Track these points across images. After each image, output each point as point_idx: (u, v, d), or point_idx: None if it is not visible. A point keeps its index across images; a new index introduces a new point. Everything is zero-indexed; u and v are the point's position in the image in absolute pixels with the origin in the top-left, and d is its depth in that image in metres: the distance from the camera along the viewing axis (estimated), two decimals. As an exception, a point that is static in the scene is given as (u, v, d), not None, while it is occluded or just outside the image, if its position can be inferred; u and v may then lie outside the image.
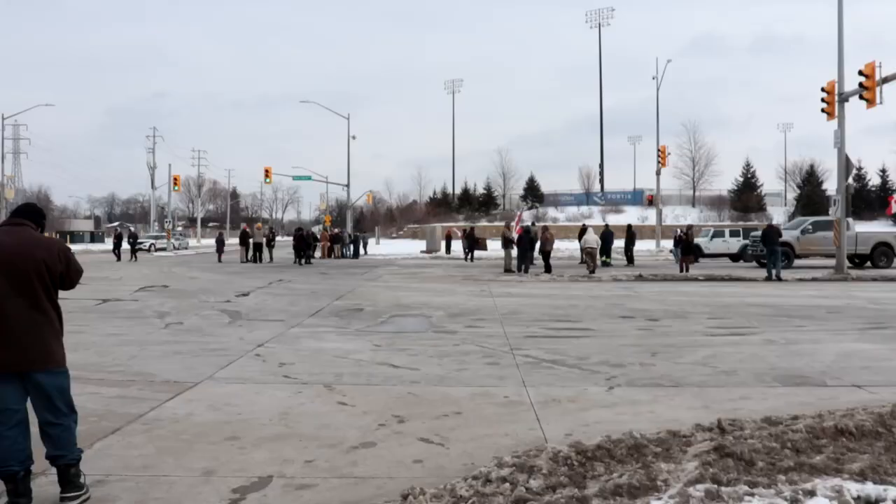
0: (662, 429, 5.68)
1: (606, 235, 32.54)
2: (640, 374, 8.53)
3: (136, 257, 42.99)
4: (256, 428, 6.23)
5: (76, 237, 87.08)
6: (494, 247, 39.40)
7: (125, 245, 43.55)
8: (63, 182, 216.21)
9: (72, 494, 4.47)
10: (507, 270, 27.86)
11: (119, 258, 41.57)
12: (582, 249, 32.37)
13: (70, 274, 4.65)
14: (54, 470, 4.56)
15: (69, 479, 4.49)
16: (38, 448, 4.53)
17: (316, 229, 63.42)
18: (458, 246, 48.38)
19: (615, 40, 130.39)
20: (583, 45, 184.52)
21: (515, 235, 29.43)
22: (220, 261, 38.86)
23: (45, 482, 4.67)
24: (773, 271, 23.67)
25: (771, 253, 24.19)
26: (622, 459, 5.00)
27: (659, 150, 52.36)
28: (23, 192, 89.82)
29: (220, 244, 41.85)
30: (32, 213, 4.70)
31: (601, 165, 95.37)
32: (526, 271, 26.97)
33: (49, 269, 4.47)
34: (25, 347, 4.35)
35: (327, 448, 5.67)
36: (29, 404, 4.49)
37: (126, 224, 41.06)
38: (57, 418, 4.49)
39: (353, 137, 57.80)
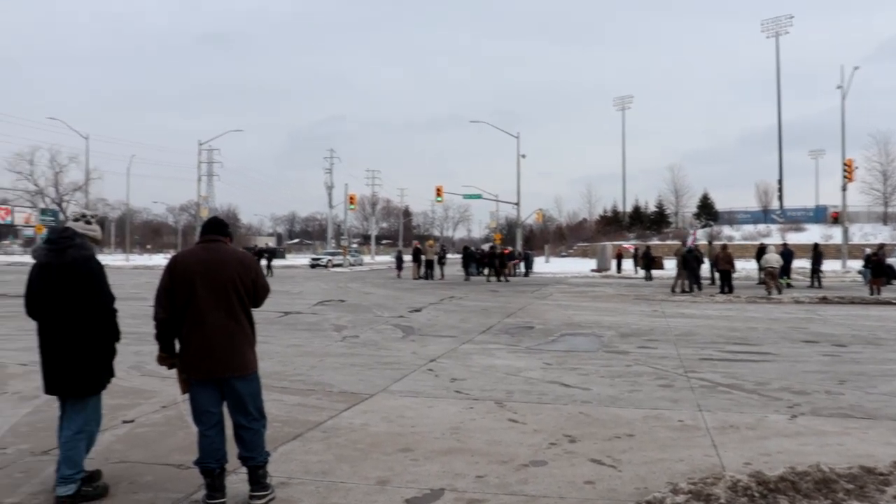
0: (854, 464, 5.30)
1: (786, 255, 30.81)
2: (827, 402, 8.01)
3: (271, 272, 41.94)
4: (429, 441, 6.35)
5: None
6: (671, 265, 38.24)
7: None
8: (249, 201, 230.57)
9: (260, 494, 4.75)
10: (675, 290, 26.96)
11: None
12: (761, 269, 30.87)
13: (257, 289, 4.93)
14: (244, 469, 4.85)
15: (258, 479, 4.78)
16: (231, 449, 4.83)
17: (485, 247, 64.09)
18: (628, 265, 47.43)
19: (792, 50, 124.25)
20: (756, 57, 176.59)
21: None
22: (398, 276, 39.94)
23: (235, 480, 4.97)
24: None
25: None
26: (808, 494, 4.71)
27: (845, 164, 49.00)
28: (215, 211, 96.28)
29: (399, 261, 43.08)
30: (221, 227, 5.03)
31: (780, 181, 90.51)
32: (699, 289, 26.00)
33: (242, 282, 4.79)
34: (224, 356, 4.68)
35: (498, 464, 5.69)
36: (224, 409, 4.82)
37: (263, 242, 42.62)
38: (249, 422, 4.78)
39: (523, 156, 58.15)
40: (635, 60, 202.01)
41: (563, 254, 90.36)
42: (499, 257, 39.21)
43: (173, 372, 4.93)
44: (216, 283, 4.70)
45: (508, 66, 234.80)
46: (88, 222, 5.13)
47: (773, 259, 26.85)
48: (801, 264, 32.46)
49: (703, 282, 27.43)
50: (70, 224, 5.07)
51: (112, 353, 5.07)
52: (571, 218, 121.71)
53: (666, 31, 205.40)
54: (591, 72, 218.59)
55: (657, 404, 7.90)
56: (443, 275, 39.84)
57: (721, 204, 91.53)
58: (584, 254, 77.59)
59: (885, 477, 5.01)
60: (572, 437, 6.48)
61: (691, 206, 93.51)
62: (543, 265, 58.20)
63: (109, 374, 5.07)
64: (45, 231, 67.42)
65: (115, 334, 5.06)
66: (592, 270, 48.80)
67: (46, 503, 4.76)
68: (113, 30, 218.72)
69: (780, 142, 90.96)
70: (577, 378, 9.41)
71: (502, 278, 38.07)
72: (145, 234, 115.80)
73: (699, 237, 41.07)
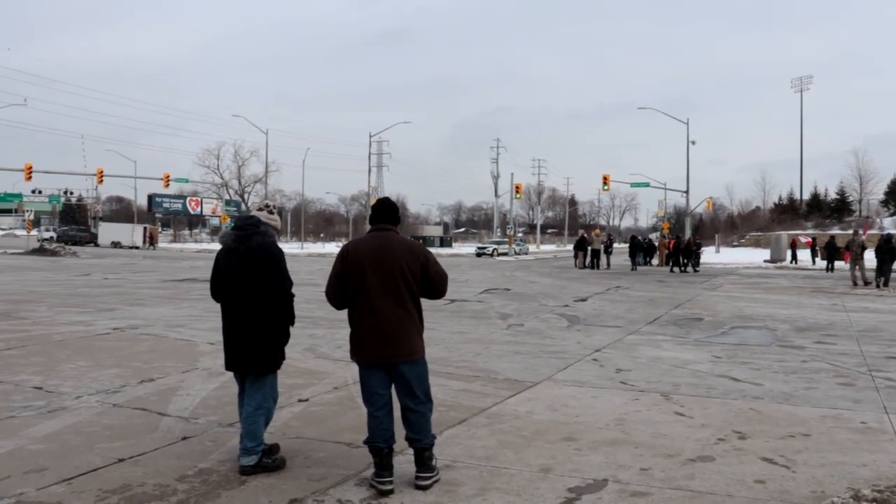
0: None
1: None
2: None
3: None
4: (592, 431, 6.32)
5: (427, 242, 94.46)
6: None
7: None
8: (417, 191, 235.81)
9: (426, 475, 4.90)
10: (856, 283, 25.23)
11: None
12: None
13: (428, 276, 5.04)
14: (411, 451, 5.03)
15: (424, 460, 4.93)
16: (398, 431, 5.01)
17: (653, 236, 62.45)
18: (804, 255, 44.92)
19: None
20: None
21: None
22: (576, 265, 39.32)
23: (402, 460, 5.15)
24: None
25: None
26: None
27: None
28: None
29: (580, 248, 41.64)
30: (391, 214, 5.13)
31: None
32: (885, 285, 24.26)
33: (411, 270, 4.94)
34: (392, 342, 4.86)
35: (663, 458, 5.59)
36: (393, 391, 5.01)
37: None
38: (416, 405, 4.94)
39: (693, 142, 56.27)
40: (814, 40, 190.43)
41: (734, 243, 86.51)
42: (687, 246, 37.68)
43: (344, 355, 5.19)
44: (385, 271, 4.88)
45: (676, 51, 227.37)
46: (271, 212, 5.47)
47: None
48: None
49: (890, 275, 25.47)
50: (255, 213, 5.42)
51: (287, 335, 5.36)
52: (743, 206, 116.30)
53: (846, 6, 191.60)
54: (765, 53, 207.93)
55: (836, 403, 7.48)
56: (609, 264, 39.23)
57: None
58: (756, 244, 73.92)
59: None
60: (742, 434, 6.26)
61: (878, 193, 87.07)
62: (713, 255, 56.06)
63: (283, 355, 5.38)
64: (229, 220, 72.04)
65: (290, 318, 5.35)
66: (765, 261, 46.56)
67: (232, 471, 5.13)
68: (292, 34, 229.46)
69: None
70: (748, 373, 9.06)
71: (689, 269, 36.73)
72: (318, 223, 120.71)
73: (886, 227, 38.02)
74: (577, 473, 5.20)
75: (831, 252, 36.95)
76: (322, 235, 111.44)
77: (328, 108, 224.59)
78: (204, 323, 12.83)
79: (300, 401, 7.25)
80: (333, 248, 69.48)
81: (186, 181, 75.52)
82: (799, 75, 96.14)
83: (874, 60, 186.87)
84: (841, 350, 10.96)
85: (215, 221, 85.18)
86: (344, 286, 4.95)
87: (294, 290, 5.46)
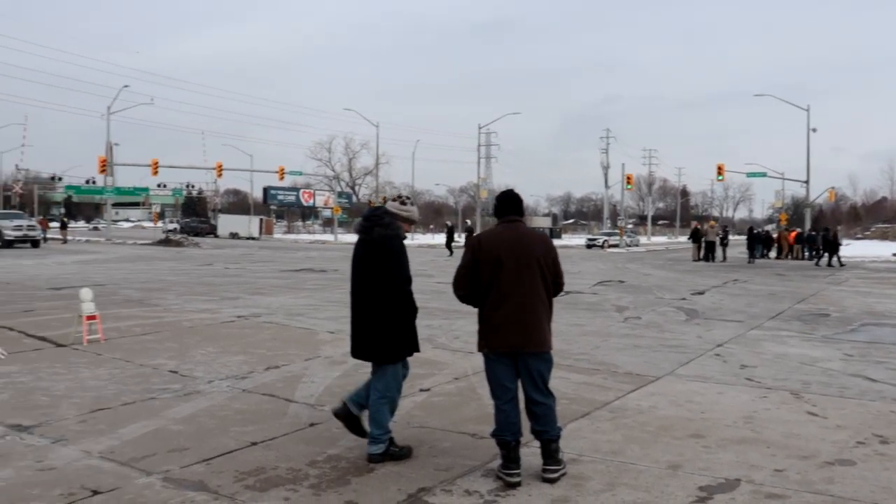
0: None
1: None
2: None
3: (451, 251, 38.98)
4: (720, 428, 6.14)
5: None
6: None
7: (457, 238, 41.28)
8: (525, 183, 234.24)
9: (553, 468, 4.87)
10: None
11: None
12: None
13: (557, 271, 5.04)
14: (537, 444, 5.00)
15: (550, 453, 4.90)
16: (524, 424, 5.00)
17: (770, 228, 60.25)
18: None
19: None
20: None
21: None
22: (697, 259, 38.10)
23: (527, 453, 5.12)
24: None
25: None
26: None
27: None
28: (492, 193, 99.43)
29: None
30: (517, 206, 5.13)
31: None
32: None
33: (546, 262, 4.95)
34: (525, 332, 4.85)
35: (797, 459, 5.37)
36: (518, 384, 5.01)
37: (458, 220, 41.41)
38: (542, 398, 4.92)
39: (814, 130, 53.89)
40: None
41: (858, 236, 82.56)
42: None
43: (462, 346, 5.21)
44: (522, 261, 4.87)
45: (792, 35, 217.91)
46: (403, 202, 5.50)
47: None
48: None
49: None
50: (388, 204, 5.49)
51: (406, 327, 5.32)
52: (868, 197, 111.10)
53: None
54: (889, 32, 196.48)
55: None
56: (725, 257, 38.06)
57: None
58: (883, 236, 70.48)
59: None
60: (884, 438, 5.94)
61: None
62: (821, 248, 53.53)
63: (408, 347, 5.36)
64: (341, 212, 73.66)
65: (409, 310, 5.33)
66: (894, 254, 44.16)
67: (360, 458, 5.24)
68: (400, 27, 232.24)
69: None
70: (885, 373, 8.60)
71: (834, 262, 34.93)
72: (428, 215, 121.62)
73: None
74: (707, 472, 5.07)
75: None
76: (431, 227, 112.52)
77: (436, 101, 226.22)
78: (322, 312, 13.15)
79: (422, 391, 7.33)
80: (443, 238, 70.01)
81: (300, 174, 77.74)
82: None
83: None
84: None
85: (327, 213, 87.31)
86: (474, 278, 4.96)
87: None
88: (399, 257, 5.28)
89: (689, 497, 4.61)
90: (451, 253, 37.82)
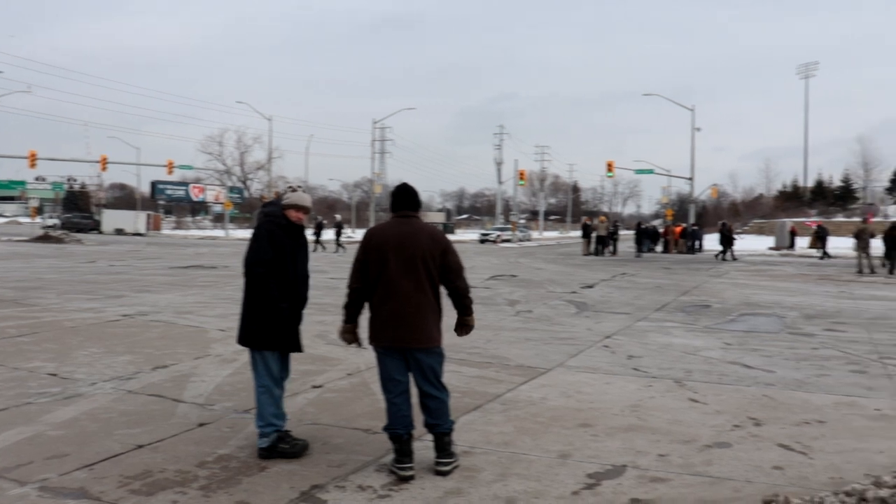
0: None
1: None
2: None
3: (343, 248, 38.02)
4: (608, 417, 6.34)
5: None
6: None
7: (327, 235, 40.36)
8: (419, 178, 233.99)
9: (446, 461, 4.92)
10: (861, 271, 25.13)
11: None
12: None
13: (446, 264, 5.01)
14: (430, 437, 5.04)
15: (443, 446, 4.95)
16: (417, 417, 5.03)
17: (656, 223, 62.37)
18: (804, 242, 44.92)
19: None
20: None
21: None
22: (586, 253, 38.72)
23: (420, 447, 5.15)
24: None
25: None
26: None
27: None
28: (387, 188, 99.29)
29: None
30: (412, 201, 5.13)
31: None
32: (892, 272, 24.26)
33: (432, 256, 4.93)
34: (410, 328, 4.86)
35: (680, 444, 5.60)
36: (410, 378, 5.02)
37: (334, 215, 41.06)
38: (434, 391, 4.95)
39: (698, 129, 55.89)
40: (819, 25, 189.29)
41: (738, 231, 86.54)
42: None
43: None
44: (406, 256, 4.87)
45: (682, 37, 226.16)
46: (294, 191, 5.48)
47: None
48: None
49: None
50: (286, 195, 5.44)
51: (258, 313, 5.19)
52: (747, 194, 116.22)
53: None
54: (770, 40, 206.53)
55: (850, 391, 7.48)
56: (615, 251, 39.21)
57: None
58: (760, 231, 73.90)
59: None
60: (757, 421, 6.27)
61: (883, 181, 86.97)
62: (717, 243, 55.96)
63: (265, 336, 5.19)
64: (232, 207, 72.05)
65: (259, 294, 5.18)
66: (770, 248, 46.49)
67: (251, 457, 5.15)
68: (295, 19, 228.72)
69: None
70: (759, 359, 9.06)
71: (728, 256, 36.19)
72: (321, 210, 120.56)
73: (892, 215, 38.03)
74: (595, 459, 5.22)
75: (822, 240, 36.91)
76: (325, 222, 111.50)
77: (332, 95, 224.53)
78: (213, 309, 12.84)
79: (314, 387, 7.26)
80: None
81: (190, 168, 75.23)
82: (804, 62, 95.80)
83: (880, 47, 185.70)
84: (851, 337, 10.96)
85: (218, 208, 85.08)
86: (366, 272, 4.95)
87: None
88: (256, 240, 5.23)
89: (577, 484, 4.74)
90: (336, 249, 37.51)
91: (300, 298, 5.42)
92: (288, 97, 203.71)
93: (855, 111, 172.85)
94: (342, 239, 39.58)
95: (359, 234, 45.81)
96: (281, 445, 5.17)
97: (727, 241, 36.00)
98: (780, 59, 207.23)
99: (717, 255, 36.23)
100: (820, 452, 5.45)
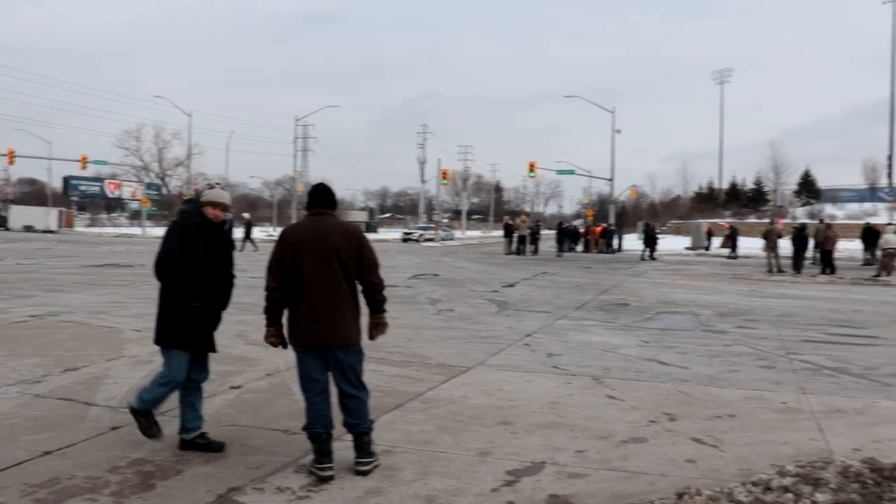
0: (977, 453, 5.09)
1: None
2: (943, 390, 7.70)
3: (255, 246, 37.01)
4: (527, 415, 6.41)
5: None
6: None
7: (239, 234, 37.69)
8: (342, 176, 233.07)
9: (366, 460, 4.90)
10: (771, 271, 26.08)
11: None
12: (865, 250, 29.87)
13: (361, 260, 5.00)
14: (350, 437, 5.00)
15: (363, 445, 4.93)
16: (337, 417, 4.99)
17: (577, 223, 63.39)
18: (719, 243, 46.30)
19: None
20: (867, 26, 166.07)
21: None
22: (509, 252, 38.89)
23: (340, 447, 5.11)
24: None
25: None
26: (928, 484, 4.54)
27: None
28: (309, 186, 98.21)
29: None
30: (328, 199, 5.10)
31: (890, 157, 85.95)
32: (799, 272, 25.25)
33: (347, 252, 4.90)
34: (327, 326, 4.83)
35: (598, 440, 5.71)
36: (329, 377, 4.98)
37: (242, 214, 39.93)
38: (353, 391, 4.93)
39: (618, 131, 57.23)
40: (735, 34, 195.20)
41: (657, 231, 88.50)
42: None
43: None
44: (323, 254, 4.83)
45: (606, 41, 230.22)
46: (212, 188, 5.39)
47: (893, 240, 25.06)
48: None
49: (804, 262, 26.57)
50: (204, 192, 5.35)
51: (166, 311, 5.19)
52: (665, 195, 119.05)
53: (767, 2, 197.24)
54: (688, 45, 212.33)
55: (758, 385, 7.75)
56: (536, 250, 39.67)
57: (824, 181, 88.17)
58: (677, 231, 75.89)
59: None
60: (672, 416, 6.43)
61: (792, 184, 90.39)
62: (636, 242, 57.24)
63: (177, 336, 5.16)
64: (150, 204, 70.24)
65: (166, 292, 5.18)
66: (687, 248, 47.79)
67: (167, 460, 5.03)
68: (215, 13, 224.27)
69: (893, 115, 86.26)
70: (674, 356, 9.30)
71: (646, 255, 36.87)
72: (241, 208, 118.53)
73: (798, 216, 39.58)
74: (515, 457, 5.27)
75: (732, 240, 38.36)
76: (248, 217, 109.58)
77: (254, 91, 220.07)
78: (128, 309, 12.49)
79: (232, 388, 7.14)
80: (257, 232, 68.40)
81: (105, 163, 73.02)
82: (720, 68, 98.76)
83: (790, 57, 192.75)
84: (760, 334, 11.35)
85: (135, 205, 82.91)
86: (283, 271, 4.90)
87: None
88: (167, 237, 5.20)
89: (497, 481, 4.78)
90: (246, 247, 36.55)
91: (218, 297, 5.33)
92: (209, 92, 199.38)
93: (767, 117, 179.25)
94: (253, 237, 38.76)
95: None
96: (198, 440, 5.23)
97: (650, 241, 36.82)
98: (697, 64, 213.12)
99: (641, 255, 36.97)
100: (730, 445, 5.63)
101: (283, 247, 4.93)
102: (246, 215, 42.66)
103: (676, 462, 5.22)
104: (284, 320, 5.01)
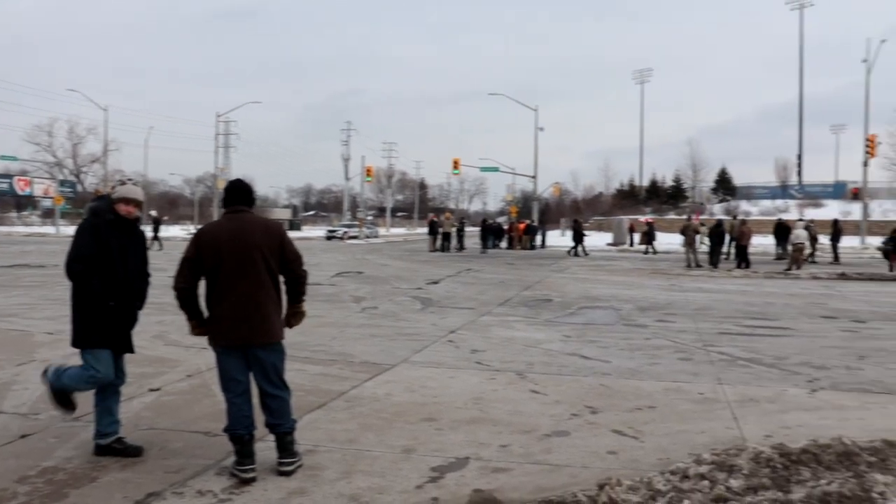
0: (876, 438, 5.31)
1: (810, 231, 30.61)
2: (847, 377, 8.03)
3: (161, 245, 35.84)
4: (452, 411, 6.43)
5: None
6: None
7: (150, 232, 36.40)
8: (265, 174, 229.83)
9: (288, 460, 4.84)
10: (689, 265, 26.81)
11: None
12: (778, 244, 31.02)
13: (285, 255, 4.93)
14: (272, 437, 4.93)
15: (285, 446, 4.86)
16: (258, 418, 4.91)
17: (502, 220, 63.91)
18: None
19: (816, 22, 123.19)
20: (779, 30, 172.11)
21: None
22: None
23: (263, 447, 5.03)
24: None
25: None
26: (830, 466, 4.72)
27: (867, 140, 48.28)
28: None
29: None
30: (245, 196, 5.01)
31: (799, 156, 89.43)
32: (716, 266, 26.03)
33: (270, 249, 4.83)
34: (250, 324, 4.75)
35: (521, 434, 5.76)
36: (251, 377, 4.90)
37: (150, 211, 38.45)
38: (275, 390, 4.86)
39: (541, 129, 57.94)
40: (654, 34, 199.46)
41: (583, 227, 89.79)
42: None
43: (197, 341, 5.02)
44: (242, 252, 4.75)
45: (529, 39, 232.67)
46: (123, 184, 5.23)
47: (802, 235, 26.36)
48: (822, 240, 32.41)
49: (720, 257, 27.40)
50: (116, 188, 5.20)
51: (78, 311, 5.04)
52: (587, 192, 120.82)
53: (686, 3, 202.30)
54: (609, 45, 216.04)
55: (677, 377, 7.94)
56: (461, 247, 39.84)
57: (739, 179, 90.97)
58: (599, 228, 77.34)
59: (907, 451, 5.02)
60: (594, 409, 6.54)
61: (709, 181, 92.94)
62: (559, 238, 58.07)
63: (93, 336, 5.02)
64: (63, 202, 67.94)
65: (78, 292, 5.03)
66: (608, 244, 48.69)
67: (80, 468, 4.86)
68: (133, 3, 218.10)
69: (801, 116, 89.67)
70: (596, 350, 9.46)
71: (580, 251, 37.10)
72: (161, 206, 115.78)
73: (716, 212, 40.84)
74: (439, 453, 5.28)
75: (649, 236, 39.42)
76: (166, 218, 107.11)
77: (174, 86, 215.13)
78: (40, 312, 12.06)
79: (151, 390, 6.96)
80: (178, 231, 66.94)
81: (14, 159, 70.53)
82: (640, 68, 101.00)
83: (709, 57, 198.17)
84: (679, 327, 11.65)
85: (48, 203, 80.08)
86: (196, 271, 4.79)
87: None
88: (78, 236, 5.05)
89: (421, 478, 4.77)
90: (153, 245, 35.26)
91: (133, 296, 5.19)
92: (126, 86, 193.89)
93: (686, 116, 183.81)
94: (160, 235, 37.74)
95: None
96: (114, 445, 5.05)
97: (578, 238, 37.40)
98: (619, 64, 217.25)
99: (570, 251, 37.46)
100: (650, 436, 5.76)
101: (200, 247, 4.82)
102: (153, 213, 41.38)
103: (598, 454, 5.31)
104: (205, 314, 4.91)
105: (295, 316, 5.14)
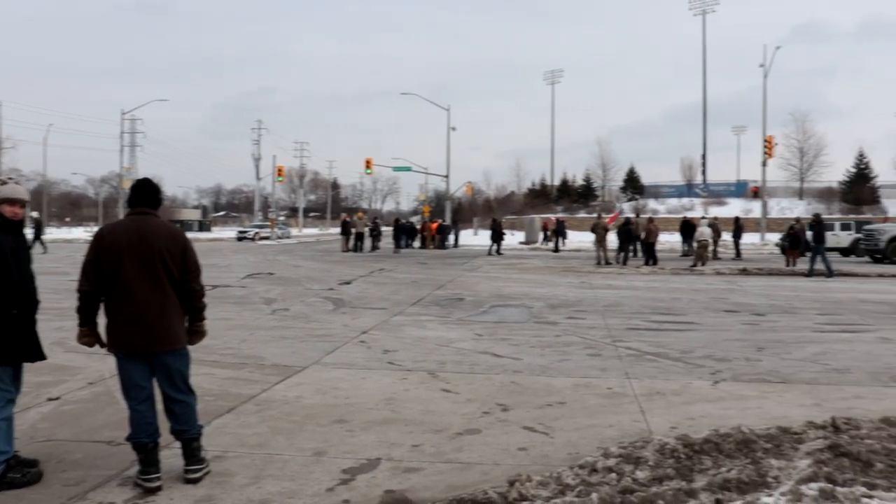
0: (772, 425, 5.54)
1: (714, 228, 31.73)
2: (746, 369, 8.34)
3: (45, 248, 34.30)
4: (363, 412, 6.39)
5: (185, 226, 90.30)
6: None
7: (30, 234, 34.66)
8: (174, 173, 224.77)
9: (195, 467, 4.72)
10: (600, 263, 27.42)
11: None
12: (684, 241, 32.05)
13: (187, 263, 4.79)
14: (178, 444, 4.81)
15: (192, 452, 4.74)
16: (163, 425, 4.78)
17: (415, 219, 64.00)
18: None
19: (718, 28, 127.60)
20: (685, 35, 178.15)
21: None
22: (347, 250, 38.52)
23: (169, 455, 4.91)
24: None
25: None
26: (730, 454, 4.91)
27: (765, 141, 50.36)
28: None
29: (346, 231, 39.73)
30: (151, 198, 4.86)
31: (704, 156, 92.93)
32: (625, 263, 26.69)
33: (171, 255, 4.70)
34: (153, 330, 4.61)
35: (433, 433, 5.77)
36: (154, 383, 4.76)
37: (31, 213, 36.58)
38: (180, 395, 4.74)
39: (454, 129, 58.17)
40: (565, 35, 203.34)
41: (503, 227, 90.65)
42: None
43: (98, 349, 4.84)
44: (145, 257, 4.61)
45: (441, 40, 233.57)
46: (4, 184, 4.92)
47: (706, 232, 27.31)
48: (725, 237, 33.64)
49: (629, 255, 28.14)
50: None
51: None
52: (500, 191, 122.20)
53: (595, 6, 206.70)
54: (527, 47, 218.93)
55: (586, 373, 8.09)
56: (375, 247, 39.71)
57: (647, 178, 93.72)
58: (512, 227, 78.29)
59: (798, 436, 5.25)
60: (505, 406, 6.60)
61: (618, 180, 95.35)
62: (472, 238, 58.50)
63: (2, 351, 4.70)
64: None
65: None
66: (521, 243, 49.27)
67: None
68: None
69: (705, 118, 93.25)
70: (507, 348, 9.56)
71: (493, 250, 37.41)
72: (63, 207, 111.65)
73: (626, 211, 41.90)
74: (350, 455, 5.24)
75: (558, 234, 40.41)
76: (68, 220, 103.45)
77: (76, 82, 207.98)
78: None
79: (50, 399, 6.70)
80: (81, 233, 64.70)
81: None
82: (551, 69, 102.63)
83: (617, 60, 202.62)
84: (589, 324, 11.87)
85: (-63, 206, 76.08)
86: (99, 274, 4.62)
87: (37, 280, 4.99)
88: None
89: (333, 480, 4.73)
90: (35, 247, 33.79)
91: (31, 302, 4.93)
92: (22, 81, 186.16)
93: (596, 116, 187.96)
94: (43, 237, 36.21)
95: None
96: (10, 475, 4.63)
97: (497, 237, 37.71)
98: (530, 65, 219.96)
99: (489, 250, 37.67)
100: (560, 431, 5.85)
101: (101, 248, 4.65)
102: (35, 214, 39.50)
103: (509, 451, 5.37)
104: (102, 323, 4.73)
105: (196, 334, 4.97)
